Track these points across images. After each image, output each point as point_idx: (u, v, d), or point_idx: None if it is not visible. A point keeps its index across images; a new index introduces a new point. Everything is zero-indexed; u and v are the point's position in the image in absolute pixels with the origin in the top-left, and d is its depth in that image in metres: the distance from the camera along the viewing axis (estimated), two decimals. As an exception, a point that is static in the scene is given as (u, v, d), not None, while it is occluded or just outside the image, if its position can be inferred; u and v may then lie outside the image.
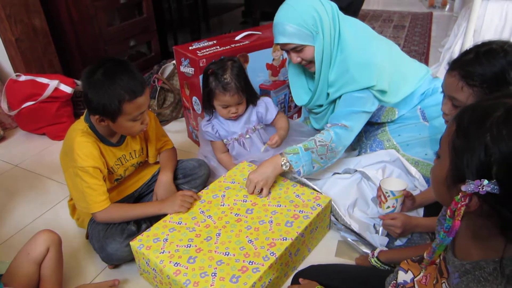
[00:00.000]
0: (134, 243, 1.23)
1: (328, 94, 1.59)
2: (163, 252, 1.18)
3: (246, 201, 1.37)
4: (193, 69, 1.81)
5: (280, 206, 1.34)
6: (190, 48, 1.87)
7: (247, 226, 1.26)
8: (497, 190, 0.55)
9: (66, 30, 2.49)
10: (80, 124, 1.31)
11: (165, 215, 1.34)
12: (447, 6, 5.05)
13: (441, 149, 0.66)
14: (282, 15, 1.43)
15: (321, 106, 1.67)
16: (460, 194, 0.59)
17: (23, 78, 2.18)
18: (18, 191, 1.82)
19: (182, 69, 1.90)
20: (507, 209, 0.57)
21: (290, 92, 2.18)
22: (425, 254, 0.75)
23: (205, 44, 1.91)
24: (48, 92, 2.09)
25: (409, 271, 0.91)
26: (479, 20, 2.40)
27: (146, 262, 1.21)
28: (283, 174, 1.47)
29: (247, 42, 1.94)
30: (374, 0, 5.87)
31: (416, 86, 1.63)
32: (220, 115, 1.66)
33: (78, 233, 1.53)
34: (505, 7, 2.36)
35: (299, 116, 2.32)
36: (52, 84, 2.09)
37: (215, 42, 1.93)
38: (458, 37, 2.62)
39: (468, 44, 2.32)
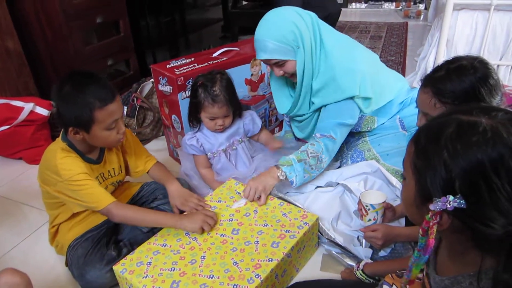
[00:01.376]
0: (117, 268, 1.20)
1: (311, 103, 1.61)
2: (146, 277, 1.15)
3: (232, 220, 1.35)
4: (171, 87, 1.80)
5: (266, 226, 1.32)
6: (167, 66, 1.86)
7: (232, 248, 1.23)
8: (464, 204, 0.56)
9: (41, 51, 2.46)
10: (57, 144, 1.30)
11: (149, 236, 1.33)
12: (421, 16, 5.17)
13: (405, 171, 0.68)
14: (262, 31, 1.45)
15: (303, 115, 1.69)
16: (430, 213, 0.60)
17: (-3, 102, 2.12)
18: (-6, 219, 1.76)
19: (160, 87, 1.89)
20: (476, 221, 0.57)
21: (270, 107, 2.19)
22: (403, 278, 0.75)
23: (183, 61, 1.91)
24: (23, 115, 2.04)
25: (394, 286, 0.91)
26: (451, 29, 2.45)
27: (129, 287, 1.18)
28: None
29: (225, 58, 1.94)
30: (351, 12, 5.97)
31: (395, 95, 1.65)
32: (206, 127, 1.65)
33: (58, 260, 1.49)
34: (475, 17, 2.42)
35: (280, 129, 2.32)
36: (27, 107, 2.05)
37: (192, 59, 1.93)
38: (432, 47, 2.68)
39: (442, 54, 2.38)
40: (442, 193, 0.58)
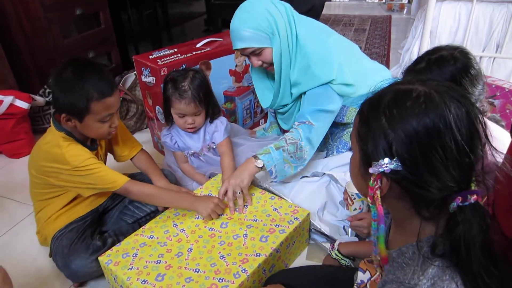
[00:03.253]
0: (103, 259, 1.18)
1: (291, 94, 1.60)
2: (131, 269, 1.13)
3: (221, 215, 1.33)
4: (154, 78, 1.77)
5: (256, 221, 1.30)
6: (150, 57, 1.83)
7: (220, 242, 1.21)
8: (400, 166, 0.59)
9: (19, 44, 2.39)
10: (55, 134, 1.26)
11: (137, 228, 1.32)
12: (405, 9, 5.21)
13: (352, 143, 0.70)
14: (237, 21, 1.44)
15: (286, 105, 1.68)
16: (372, 178, 0.62)
17: (-25, 95, 2.06)
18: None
19: (143, 78, 1.86)
20: (413, 184, 0.60)
21: (255, 98, 2.18)
22: (373, 256, 0.75)
23: (166, 52, 1.88)
24: (2, 108, 1.99)
25: (367, 271, 0.91)
26: (434, 21, 2.47)
27: (114, 278, 1.16)
28: (253, 182, 1.45)
29: (208, 49, 1.92)
30: (334, 5, 5.99)
31: (379, 85, 1.64)
32: (177, 125, 1.61)
33: (40, 252, 1.46)
34: (457, 8, 2.45)
35: (265, 121, 2.31)
36: (7, 100, 2.00)
37: (175, 50, 1.91)
38: (415, 39, 2.70)
39: (426, 45, 2.39)
40: (381, 157, 0.61)
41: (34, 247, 1.48)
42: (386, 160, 0.60)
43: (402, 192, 0.62)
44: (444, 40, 2.53)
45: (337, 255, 1.19)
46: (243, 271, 1.10)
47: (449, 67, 1.01)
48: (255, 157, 1.40)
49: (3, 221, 1.66)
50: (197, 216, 1.32)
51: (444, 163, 0.58)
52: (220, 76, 1.95)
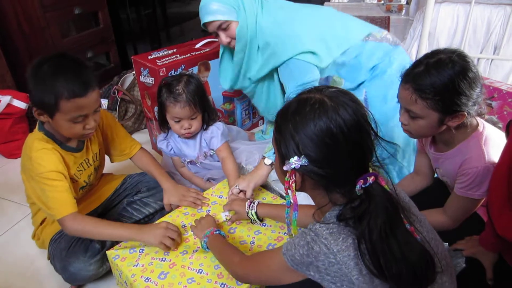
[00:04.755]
0: (110, 253, 1.19)
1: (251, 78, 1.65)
2: (136, 265, 1.13)
3: (240, 223, 1.30)
4: (153, 78, 1.77)
5: (264, 226, 1.28)
6: (149, 57, 1.83)
7: None
8: (307, 162, 0.72)
9: (18, 43, 2.39)
10: (35, 135, 1.24)
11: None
12: (403, 10, 5.21)
13: (274, 148, 0.82)
14: None
15: (247, 87, 1.73)
16: (287, 174, 0.75)
17: (-27, 94, 2.06)
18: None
19: (142, 79, 1.85)
20: (319, 175, 0.73)
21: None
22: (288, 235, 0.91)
23: (165, 53, 1.88)
24: (0, 108, 1.99)
25: None
26: (433, 23, 2.47)
27: (119, 274, 1.17)
28: (265, 187, 1.47)
29: (207, 49, 1.92)
30: (333, 5, 5.99)
31: (357, 44, 1.56)
32: (173, 132, 1.57)
33: (38, 254, 1.46)
34: (456, 10, 2.45)
35: (264, 122, 2.31)
36: (4, 100, 1.99)
37: (174, 50, 1.90)
38: (414, 40, 2.70)
39: (424, 47, 2.40)
40: (291, 156, 0.74)
41: (32, 249, 1.48)
42: (295, 158, 0.73)
43: (315, 183, 0.76)
44: (442, 41, 2.53)
45: (252, 215, 1.24)
46: None
47: (447, 70, 1.01)
48: (263, 157, 1.41)
49: (1, 222, 1.65)
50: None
51: (341, 155, 0.72)
52: (218, 77, 1.94)
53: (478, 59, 2.46)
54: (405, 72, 1.09)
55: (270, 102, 1.74)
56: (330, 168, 0.72)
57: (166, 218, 1.32)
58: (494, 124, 1.19)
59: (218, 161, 1.64)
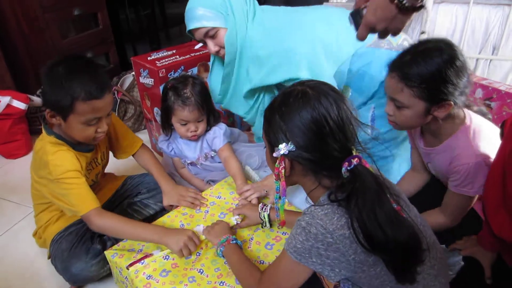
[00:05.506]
0: (109, 252, 1.19)
1: (244, 94, 1.53)
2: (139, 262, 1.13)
3: (235, 222, 1.27)
4: (152, 79, 1.77)
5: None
6: (148, 58, 1.83)
7: None
8: (294, 148, 0.78)
9: (17, 44, 2.38)
10: (46, 139, 1.24)
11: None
12: (401, 11, 5.21)
13: (264, 140, 0.86)
14: (191, 1, 1.39)
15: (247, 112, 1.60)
16: (277, 161, 0.80)
17: (-28, 95, 2.06)
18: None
19: (141, 80, 1.86)
20: (307, 160, 0.78)
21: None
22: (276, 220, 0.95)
23: (164, 54, 1.88)
24: (0, 108, 1.99)
25: None
26: (431, 23, 2.48)
27: (119, 271, 1.16)
28: None
29: (207, 50, 1.91)
30: (331, 4, 5.98)
31: (365, 50, 1.46)
32: (178, 134, 1.56)
33: (38, 254, 1.46)
34: (454, 11, 2.46)
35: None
36: (4, 100, 1.99)
37: (174, 51, 1.91)
38: (413, 40, 2.70)
39: (423, 46, 2.40)
40: (280, 144, 0.79)
41: (32, 249, 1.48)
42: (283, 144, 0.78)
43: (304, 168, 0.81)
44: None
45: (264, 217, 1.23)
46: None
47: (434, 58, 1.00)
48: None
49: (1, 223, 1.66)
50: (204, 219, 1.32)
51: (325, 139, 0.76)
52: (218, 78, 1.95)
53: (477, 59, 2.46)
54: (392, 61, 1.08)
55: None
56: (316, 152, 0.77)
57: (164, 218, 1.33)
58: (484, 115, 1.17)
59: (219, 162, 1.64)
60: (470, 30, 2.42)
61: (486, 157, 1.03)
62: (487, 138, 1.06)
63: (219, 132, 1.55)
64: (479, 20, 2.42)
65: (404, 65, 1.03)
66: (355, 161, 0.76)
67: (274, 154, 0.80)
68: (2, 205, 1.77)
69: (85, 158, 1.30)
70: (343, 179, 0.77)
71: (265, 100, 1.56)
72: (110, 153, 1.51)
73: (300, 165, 0.80)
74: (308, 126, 0.76)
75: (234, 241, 1.12)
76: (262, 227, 1.25)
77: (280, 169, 0.80)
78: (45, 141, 1.23)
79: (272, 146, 0.82)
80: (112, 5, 2.84)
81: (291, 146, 0.78)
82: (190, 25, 1.38)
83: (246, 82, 1.48)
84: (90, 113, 1.15)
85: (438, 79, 1.00)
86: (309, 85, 0.81)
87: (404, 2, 0.85)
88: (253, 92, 1.53)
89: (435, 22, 2.50)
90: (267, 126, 0.83)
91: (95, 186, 1.44)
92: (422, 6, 0.89)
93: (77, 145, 1.27)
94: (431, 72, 1.00)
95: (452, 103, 1.02)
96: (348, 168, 0.76)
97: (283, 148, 0.78)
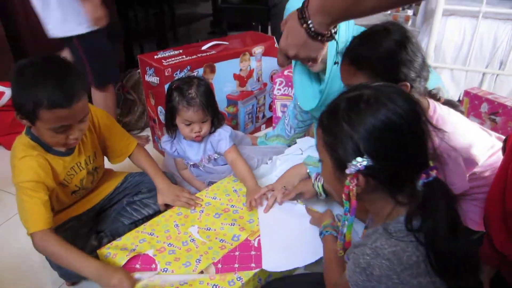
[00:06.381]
0: (102, 252, 1.17)
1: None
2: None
3: (234, 225, 1.28)
4: (158, 78, 1.77)
5: None
6: (155, 57, 1.83)
7: (222, 246, 1.20)
8: (371, 161, 0.67)
9: (24, 37, 2.38)
10: (20, 139, 1.20)
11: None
12: (410, 21, 5.22)
13: (320, 154, 0.78)
14: (294, 1, 1.29)
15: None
16: (348, 178, 0.70)
17: (-23, 86, 2.06)
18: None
19: (147, 78, 1.85)
20: (384, 173, 0.69)
21: (258, 103, 2.18)
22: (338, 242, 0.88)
23: (171, 53, 1.88)
24: (3, 100, 1.99)
25: None
26: (440, 35, 2.48)
27: None
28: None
29: (213, 52, 1.92)
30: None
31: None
32: (182, 135, 1.55)
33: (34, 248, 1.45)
34: (463, 24, 2.45)
35: (267, 126, 2.30)
36: (8, 92, 1.99)
37: (181, 51, 1.90)
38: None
39: (430, 59, 2.40)
40: (353, 158, 0.68)
41: (28, 242, 1.45)
42: (359, 159, 0.67)
43: (376, 184, 0.71)
44: (448, 54, 2.53)
45: (318, 187, 1.21)
46: (238, 279, 1.08)
47: (383, 38, 0.98)
48: (304, 164, 1.38)
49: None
50: (199, 219, 1.31)
51: (404, 148, 0.68)
52: (224, 80, 1.95)
53: (484, 74, 2.46)
54: (342, 52, 1.06)
55: None
56: (395, 164, 0.68)
57: (159, 218, 1.32)
58: (455, 107, 1.12)
59: (222, 165, 1.63)
60: (478, 44, 2.42)
61: (455, 146, 0.99)
62: (453, 127, 1.02)
63: (224, 135, 1.54)
64: (487, 34, 2.41)
65: (352, 50, 1.01)
66: (434, 173, 0.68)
67: (348, 171, 0.69)
68: (2, 197, 1.76)
69: (63, 162, 1.24)
70: (417, 194, 0.69)
71: None
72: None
73: (374, 181, 0.70)
74: (386, 134, 0.67)
75: (330, 232, 1.09)
76: (318, 197, 1.27)
77: (351, 187, 0.70)
78: (19, 142, 1.19)
79: (338, 161, 0.72)
80: (121, 2, 2.84)
81: (368, 160, 0.67)
82: None
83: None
84: (55, 121, 1.07)
85: (388, 59, 0.97)
86: (376, 88, 0.72)
87: (311, 26, 0.81)
88: None
89: (443, 35, 2.50)
90: (330, 138, 0.73)
91: (87, 191, 1.42)
92: (331, 36, 0.85)
93: (52, 149, 1.21)
94: (380, 52, 0.97)
95: (408, 84, 0.98)
96: (425, 181, 0.68)
97: (359, 164, 0.68)
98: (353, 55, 1.01)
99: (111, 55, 1.86)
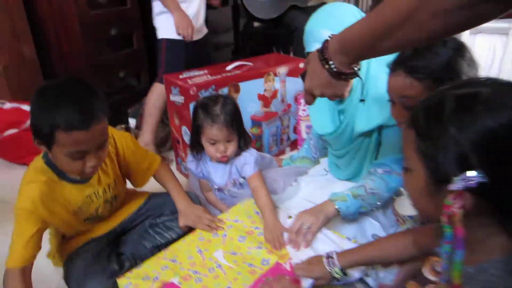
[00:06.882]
0: (122, 281, 1.12)
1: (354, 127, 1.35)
2: None
3: (261, 248, 1.20)
4: (183, 97, 1.76)
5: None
6: (180, 76, 1.83)
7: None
8: (485, 177, 0.53)
9: (55, 59, 2.46)
10: (35, 162, 1.16)
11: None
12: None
13: (408, 161, 0.65)
14: (319, 22, 1.27)
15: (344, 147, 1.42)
16: (450, 195, 0.56)
17: (7, 105, 2.11)
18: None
19: (172, 98, 1.85)
20: (502, 195, 0.55)
21: (282, 125, 2.14)
22: (434, 277, 0.72)
23: (196, 73, 1.88)
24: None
25: None
26: (468, 54, 2.42)
27: None
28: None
29: (238, 72, 1.91)
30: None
31: None
32: (208, 155, 1.49)
33: (54, 268, 1.40)
34: (493, 41, 2.40)
35: (292, 149, 2.26)
36: (36, 113, 2.03)
37: (206, 71, 1.90)
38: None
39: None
40: (460, 171, 0.54)
41: (48, 262, 1.43)
42: (472, 172, 0.53)
43: (484, 207, 0.56)
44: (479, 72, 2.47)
45: (337, 274, 1.04)
46: None
47: (441, 48, 0.93)
48: (331, 201, 1.28)
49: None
50: (223, 243, 1.25)
51: None
52: (248, 100, 1.93)
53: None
54: (393, 61, 1.01)
55: (364, 162, 1.41)
56: None
57: (179, 244, 1.27)
58: None
59: (247, 189, 1.55)
60: (509, 62, 2.35)
61: None
62: None
63: (250, 159, 1.47)
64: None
65: (408, 59, 0.96)
66: None
67: (453, 187, 0.55)
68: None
69: (77, 191, 1.19)
70: None
71: None
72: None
73: (485, 203, 0.56)
74: (509, 143, 0.53)
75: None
76: (336, 282, 1.09)
77: (454, 208, 0.55)
78: (33, 164, 1.16)
79: (436, 173, 0.59)
80: (148, 29, 2.90)
81: (482, 176, 0.53)
82: (314, 46, 1.16)
83: (363, 120, 1.31)
84: (72, 145, 1.01)
85: (449, 69, 0.92)
86: (496, 87, 0.59)
87: (333, 67, 0.80)
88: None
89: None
90: (427, 144, 0.60)
91: (99, 219, 1.35)
92: (355, 74, 0.84)
93: (66, 176, 1.16)
94: (440, 61, 0.93)
95: None
96: None
97: (471, 179, 0.53)
98: (411, 67, 0.96)
99: (182, 64, 2.16)
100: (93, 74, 2.46)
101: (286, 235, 1.25)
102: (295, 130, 2.22)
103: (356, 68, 0.84)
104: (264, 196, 1.37)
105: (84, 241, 1.30)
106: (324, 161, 1.66)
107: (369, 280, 1.20)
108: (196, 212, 1.35)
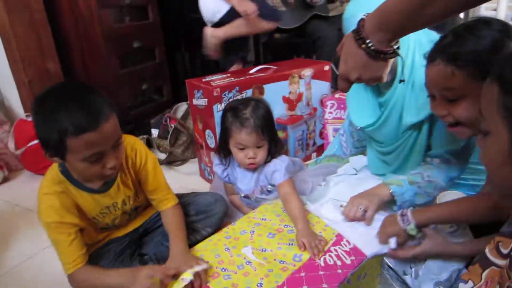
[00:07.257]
0: None
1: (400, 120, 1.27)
2: None
3: (292, 245, 1.15)
4: (206, 99, 1.73)
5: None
6: (203, 80, 1.81)
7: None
8: None
9: (78, 72, 2.50)
10: (51, 171, 1.11)
11: None
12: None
13: (488, 122, 0.56)
14: (359, 7, 1.19)
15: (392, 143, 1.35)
16: None
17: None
18: (16, 229, 1.71)
19: (194, 102, 1.83)
20: None
21: (308, 129, 2.08)
22: (497, 258, 0.63)
23: (219, 76, 1.86)
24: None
25: (470, 281, 0.74)
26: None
27: None
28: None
29: (262, 74, 1.88)
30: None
31: None
32: (236, 161, 1.41)
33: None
34: None
35: (318, 155, 2.19)
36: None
37: (229, 75, 1.88)
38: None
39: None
40: None
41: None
42: None
43: None
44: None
45: (412, 230, 1.03)
46: None
47: (485, 30, 0.85)
48: (385, 184, 1.24)
49: (41, 240, 1.56)
50: (251, 239, 1.18)
51: None
52: (272, 102, 1.83)
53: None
54: (431, 51, 0.93)
55: (411, 155, 1.32)
56: None
57: (206, 243, 1.22)
58: None
59: (275, 193, 1.47)
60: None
61: None
62: None
63: (280, 166, 1.36)
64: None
65: (447, 47, 0.88)
66: None
67: None
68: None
69: (94, 200, 1.14)
70: None
71: None
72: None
73: None
74: None
75: None
76: (412, 239, 1.08)
77: None
78: (49, 173, 1.11)
79: None
80: (170, 45, 2.94)
81: None
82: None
83: (411, 111, 1.23)
84: (86, 149, 0.95)
85: (494, 48, 0.84)
86: None
87: (370, 45, 0.75)
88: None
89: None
90: None
91: (115, 228, 1.29)
92: (394, 52, 0.79)
93: (83, 186, 1.11)
94: (486, 44, 0.84)
95: None
96: None
97: None
98: (452, 54, 0.88)
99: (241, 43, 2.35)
100: (117, 87, 2.48)
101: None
102: (321, 135, 2.16)
103: (395, 46, 0.79)
104: (295, 205, 1.26)
105: (105, 241, 1.25)
106: (353, 160, 1.59)
107: (408, 278, 1.12)
108: (186, 260, 1.12)
